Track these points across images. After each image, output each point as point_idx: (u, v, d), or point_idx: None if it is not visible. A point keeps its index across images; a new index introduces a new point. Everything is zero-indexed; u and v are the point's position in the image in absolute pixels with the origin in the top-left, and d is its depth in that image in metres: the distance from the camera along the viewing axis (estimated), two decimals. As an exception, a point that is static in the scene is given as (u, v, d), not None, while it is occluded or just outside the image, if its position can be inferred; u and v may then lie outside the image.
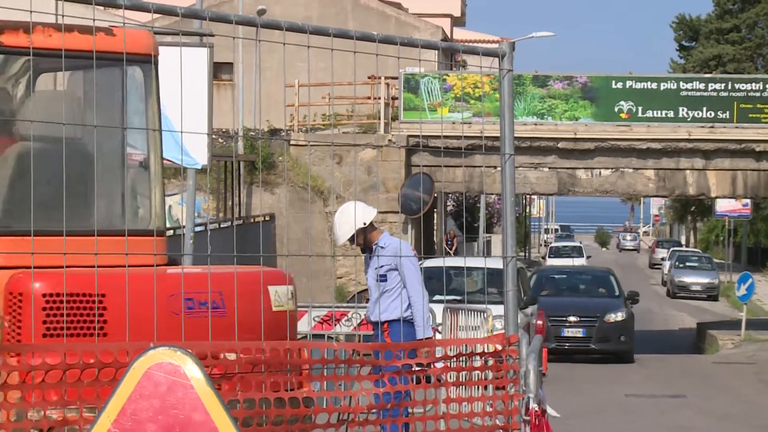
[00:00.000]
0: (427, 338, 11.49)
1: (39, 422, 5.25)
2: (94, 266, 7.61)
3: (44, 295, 8.00)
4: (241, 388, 5.76)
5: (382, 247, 12.76)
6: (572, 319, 28.93)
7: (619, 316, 27.04)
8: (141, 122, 9.54)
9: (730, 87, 38.26)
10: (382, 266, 12.59)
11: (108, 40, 9.00)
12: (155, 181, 9.43)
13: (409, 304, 12.36)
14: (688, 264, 67.18)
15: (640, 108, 37.31)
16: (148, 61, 9.20)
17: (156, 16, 8.35)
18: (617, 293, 29.27)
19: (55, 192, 8.65)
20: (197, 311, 8.21)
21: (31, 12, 6.08)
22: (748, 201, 55.26)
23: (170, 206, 31.95)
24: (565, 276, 31.23)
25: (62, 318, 7.98)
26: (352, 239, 12.87)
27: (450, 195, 43.00)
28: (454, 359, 6.76)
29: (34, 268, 7.84)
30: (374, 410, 6.68)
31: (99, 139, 9.30)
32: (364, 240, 12.84)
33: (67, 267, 7.72)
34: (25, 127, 9.05)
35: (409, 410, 6.97)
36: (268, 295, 8.43)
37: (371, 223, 12.80)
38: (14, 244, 8.46)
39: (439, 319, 14.82)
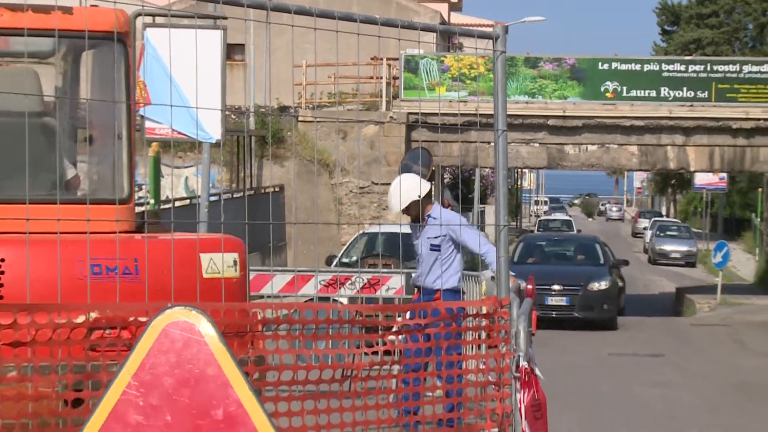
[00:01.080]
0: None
1: (64, 375, 5.22)
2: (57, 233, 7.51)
3: None
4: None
5: (434, 218, 12.61)
6: (556, 287, 28.81)
7: (603, 284, 26.50)
8: (110, 96, 9.30)
9: (708, 68, 38.29)
10: (436, 237, 12.46)
11: (68, 19, 8.87)
12: (120, 153, 9.24)
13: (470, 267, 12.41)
14: (668, 233, 67.28)
15: (624, 88, 37.33)
16: (111, 38, 8.86)
17: (174, 0, 8.39)
18: (602, 261, 28.62)
19: (19, 163, 8.51)
20: (105, 276, 8.01)
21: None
22: (725, 175, 55.18)
23: (186, 177, 31.90)
24: (551, 244, 30.59)
25: None
26: (407, 209, 12.79)
27: (447, 168, 42.93)
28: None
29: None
30: (375, 367, 6.69)
31: (64, 113, 9.32)
32: (419, 211, 12.74)
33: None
34: None
35: (410, 366, 6.97)
36: (197, 263, 8.27)
37: (427, 195, 12.71)
38: None
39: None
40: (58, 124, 9.43)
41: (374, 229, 25.38)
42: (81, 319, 5.22)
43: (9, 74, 9.49)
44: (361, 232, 24.82)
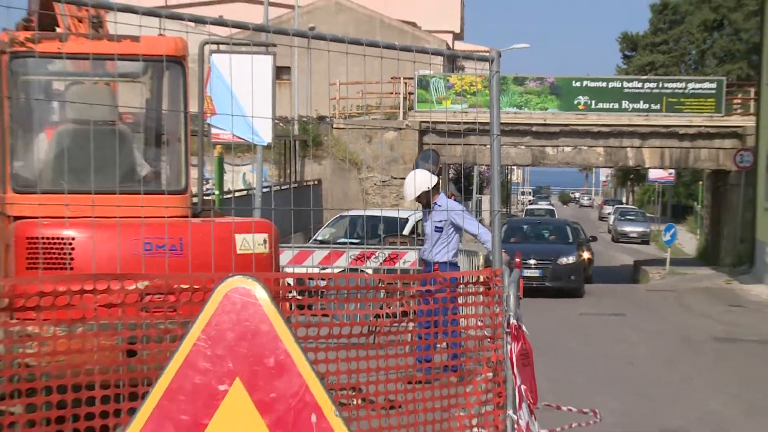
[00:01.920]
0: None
1: (121, 332, 5.22)
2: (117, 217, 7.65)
3: (32, 238, 8.03)
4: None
5: (439, 206, 12.63)
6: (531, 261, 28.80)
7: (570, 259, 26.03)
8: (170, 107, 9.39)
9: (660, 86, 38.30)
10: (440, 221, 12.53)
11: (134, 46, 8.73)
12: (178, 153, 9.30)
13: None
14: (627, 217, 67.23)
15: (593, 101, 37.35)
16: (173, 61, 9.05)
17: (234, 30, 8.28)
18: (571, 240, 28.10)
19: (94, 162, 8.31)
20: (155, 252, 8.05)
21: (140, 27, 6.00)
22: (673, 171, 54.94)
23: (244, 173, 31.97)
24: (530, 226, 30.26)
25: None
26: (418, 197, 12.81)
27: (451, 165, 42.73)
28: (456, 286, 6.77)
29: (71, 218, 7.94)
30: (395, 324, 6.69)
31: (132, 121, 9.40)
32: (428, 199, 12.74)
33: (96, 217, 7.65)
34: (74, 112, 9.05)
35: (422, 324, 6.97)
36: (232, 242, 8.27)
37: (435, 187, 12.67)
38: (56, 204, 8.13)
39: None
40: (142, 130, 9.47)
41: (353, 212, 24.79)
42: (134, 286, 5.19)
43: (91, 90, 9.48)
44: (340, 215, 24.02)
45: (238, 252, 8.17)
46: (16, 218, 8.41)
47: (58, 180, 8.66)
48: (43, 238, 8.06)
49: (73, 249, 8.04)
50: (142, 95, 9.82)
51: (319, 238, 23.71)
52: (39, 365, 5.15)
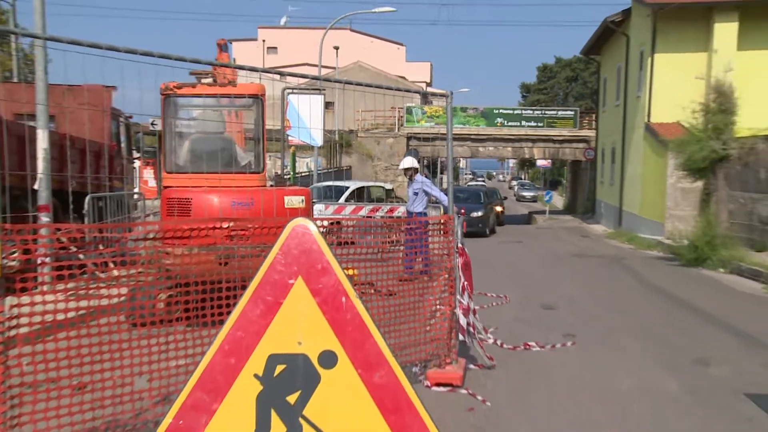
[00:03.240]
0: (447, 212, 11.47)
1: (218, 251, 5.16)
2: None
3: (179, 198, 8.18)
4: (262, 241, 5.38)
5: (416, 180, 12.46)
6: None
7: (479, 213, 24.10)
8: (254, 124, 9.36)
9: (543, 113, 38.45)
10: (416, 189, 12.39)
11: (239, 88, 9.03)
12: (258, 150, 9.26)
13: (433, 203, 12.70)
14: (524, 187, 67.08)
15: (505, 121, 37.29)
16: (260, 97, 9.02)
17: (302, 80, 8.32)
18: (482, 201, 25.76)
19: (211, 156, 8.72)
20: (239, 206, 7.98)
21: (260, 74, 5.95)
22: (550, 160, 54.81)
23: (307, 162, 31.72)
24: (461, 192, 28.84)
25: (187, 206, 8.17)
26: (405, 171, 12.67)
27: (424, 158, 42.63)
28: (428, 226, 6.73)
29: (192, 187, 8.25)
30: (392, 247, 6.66)
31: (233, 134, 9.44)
32: (411, 174, 12.52)
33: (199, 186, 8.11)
34: (205, 128, 9.24)
35: (409, 247, 6.93)
36: (283, 200, 8.22)
37: (415, 169, 12.50)
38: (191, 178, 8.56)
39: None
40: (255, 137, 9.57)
41: (323, 183, 22.22)
42: (225, 225, 5.21)
43: (210, 115, 9.57)
44: (314, 185, 21.04)
45: (285, 206, 8.16)
46: (165, 188, 8.72)
47: (189, 166, 8.91)
48: (175, 198, 8.22)
49: (191, 204, 8.08)
50: (245, 116, 9.85)
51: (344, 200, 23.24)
52: (174, 269, 5.21)
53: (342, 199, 19.11)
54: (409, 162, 12.61)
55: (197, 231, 5.04)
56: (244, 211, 7.93)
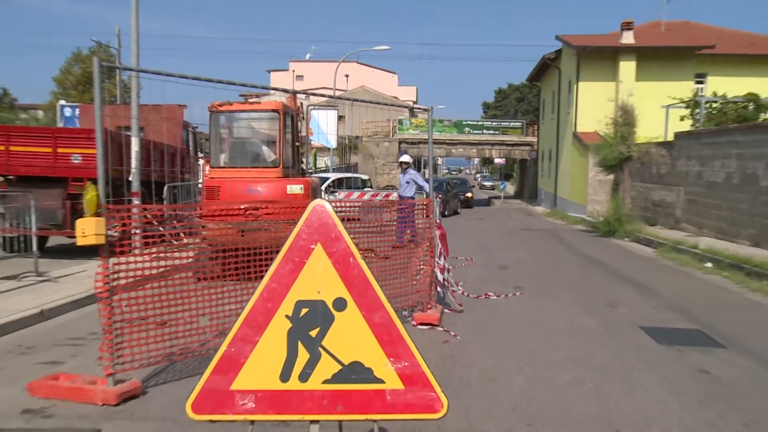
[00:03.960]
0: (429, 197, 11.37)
1: (239, 226, 5.06)
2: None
3: (211, 186, 8.03)
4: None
5: (408, 172, 12.23)
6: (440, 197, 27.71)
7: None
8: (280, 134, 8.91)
9: (498, 124, 37.85)
10: (408, 179, 12.13)
11: (262, 104, 8.72)
12: (278, 150, 8.76)
13: (418, 190, 12.24)
14: (485, 178, 66.98)
15: (472, 130, 36.71)
16: (278, 111, 8.55)
17: (320, 99, 8.20)
18: (443, 189, 23.35)
19: (243, 155, 8.38)
20: (252, 191, 7.84)
21: (280, 91, 5.89)
22: (504, 159, 54.40)
23: (325, 160, 31.24)
24: (437, 183, 27.52)
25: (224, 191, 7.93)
26: (402, 164, 12.41)
27: (412, 157, 42.57)
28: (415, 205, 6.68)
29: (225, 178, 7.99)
30: (387, 221, 6.60)
31: (266, 141, 9.06)
32: (405, 167, 12.29)
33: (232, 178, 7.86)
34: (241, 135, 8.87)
35: (401, 222, 6.88)
36: (285, 188, 7.97)
37: (408, 164, 12.27)
38: (228, 171, 8.30)
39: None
40: (266, 141, 9.12)
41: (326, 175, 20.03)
42: (242, 205, 5.15)
43: (242, 126, 9.26)
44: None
45: (288, 193, 7.97)
46: (208, 178, 8.68)
47: (228, 162, 8.63)
48: (210, 186, 8.10)
49: (220, 190, 7.97)
50: (269, 126, 9.58)
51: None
52: (209, 239, 5.16)
53: (323, 187, 17.92)
54: (406, 158, 12.49)
55: (224, 210, 5.03)
56: (256, 195, 7.87)
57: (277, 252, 2.41)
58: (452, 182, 27.39)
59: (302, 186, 8.12)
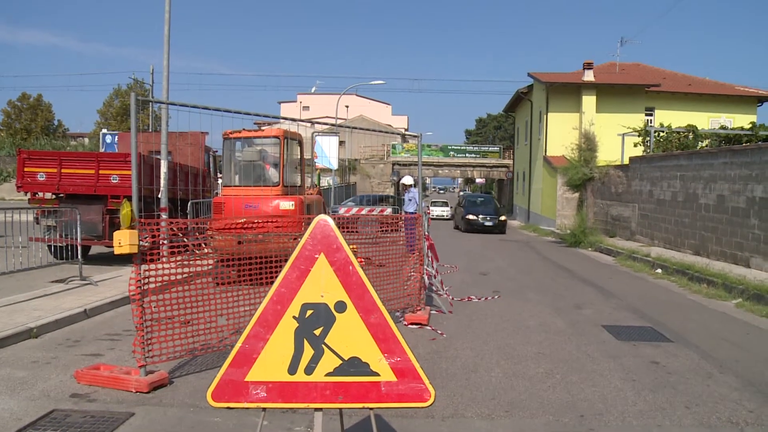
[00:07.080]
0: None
1: (239, 237, 4.96)
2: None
3: (217, 202, 7.99)
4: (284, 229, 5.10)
5: (410, 191, 12.17)
6: (439, 210, 28.01)
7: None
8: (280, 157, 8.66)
9: (479, 149, 38.02)
10: (410, 197, 11.98)
11: (266, 131, 8.56)
12: (279, 171, 8.47)
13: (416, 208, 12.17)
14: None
15: (456, 153, 36.90)
16: (280, 137, 8.33)
17: (324, 126, 8.17)
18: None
19: (248, 176, 8.23)
20: (249, 207, 7.71)
21: (296, 122, 5.90)
22: (484, 179, 54.65)
23: (328, 180, 31.17)
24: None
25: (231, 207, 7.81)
26: (405, 185, 12.37)
27: (402, 176, 42.76)
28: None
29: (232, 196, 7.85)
30: (389, 234, 6.57)
31: (271, 163, 8.82)
32: (407, 187, 12.24)
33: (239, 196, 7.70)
34: (246, 159, 8.65)
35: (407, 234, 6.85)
36: (279, 205, 7.78)
37: (409, 184, 12.23)
38: (237, 189, 8.17)
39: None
40: (271, 162, 8.73)
41: (360, 194, 20.64)
42: (240, 219, 5.08)
43: (247, 149, 9.05)
44: (354, 195, 18.77)
45: (280, 209, 7.82)
46: (217, 196, 8.67)
47: (236, 182, 8.45)
48: (217, 202, 8.03)
49: (224, 206, 7.91)
50: (274, 151, 9.39)
51: (351, 203, 22.65)
52: (215, 247, 5.15)
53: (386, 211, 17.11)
54: (408, 180, 12.58)
55: (227, 223, 5.02)
56: (252, 210, 7.78)
57: (286, 261, 2.42)
58: (438, 202, 27.47)
59: (293, 202, 8.02)
